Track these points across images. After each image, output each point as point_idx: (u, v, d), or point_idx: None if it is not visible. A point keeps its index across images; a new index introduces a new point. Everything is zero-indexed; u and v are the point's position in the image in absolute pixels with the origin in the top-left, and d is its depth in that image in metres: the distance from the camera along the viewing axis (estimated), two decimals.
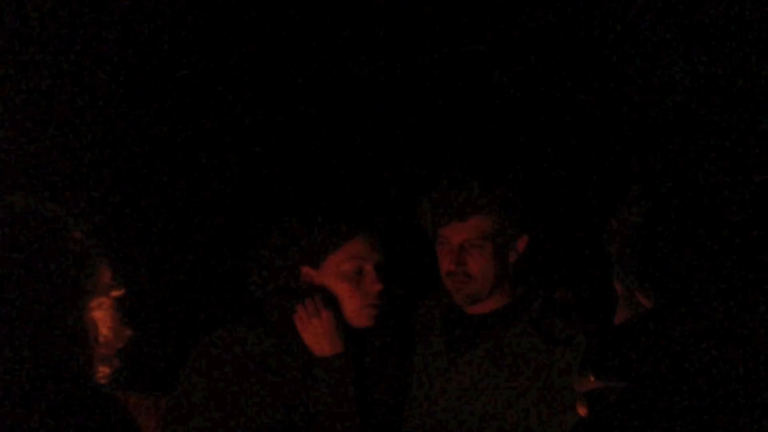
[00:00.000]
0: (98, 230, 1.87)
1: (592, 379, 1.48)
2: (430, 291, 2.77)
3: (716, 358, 1.43)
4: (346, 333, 2.51)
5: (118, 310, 1.86)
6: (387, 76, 3.87)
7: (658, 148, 3.47)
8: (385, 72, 3.87)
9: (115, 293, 1.86)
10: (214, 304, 3.75)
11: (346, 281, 2.51)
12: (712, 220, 1.53)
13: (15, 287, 1.72)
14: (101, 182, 3.79)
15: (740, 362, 1.43)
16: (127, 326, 1.88)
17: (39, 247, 1.75)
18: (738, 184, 1.55)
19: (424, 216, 2.62)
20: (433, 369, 2.62)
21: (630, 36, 3.63)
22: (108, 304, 1.85)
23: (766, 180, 1.56)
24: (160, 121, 3.89)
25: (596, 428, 1.47)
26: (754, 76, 3.40)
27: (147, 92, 3.86)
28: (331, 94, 3.90)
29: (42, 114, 3.73)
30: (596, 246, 1.71)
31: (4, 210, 1.78)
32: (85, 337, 1.77)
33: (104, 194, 3.77)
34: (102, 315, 1.83)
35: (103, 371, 1.82)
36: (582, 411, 1.50)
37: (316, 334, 2.48)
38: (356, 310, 2.52)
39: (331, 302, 2.51)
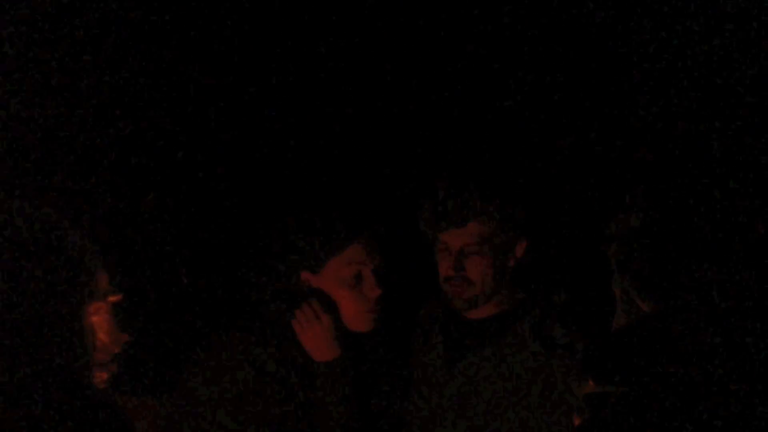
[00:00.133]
0: (96, 235, 1.86)
1: (591, 383, 1.48)
2: (429, 296, 2.77)
3: (714, 363, 1.43)
4: (344, 337, 2.51)
5: (116, 315, 1.86)
6: (386, 83, 3.87)
7: (657, 153, 3.47)
8: (385, 78, 3.87)
9: (112, 298, 1.86)
10: (212, 308, 3.75)
11: (345, 286, 2.51)
12: (710, 225, 1.53)
13: (12, 292, 1.71)
14: (99, 187, 3.79)
15: (738, 366, 1.43)
16: (124, 331, 1.87)
17: (37, 252, 1.74)
18: (737, 188, 1.55)
19: (424, 221, 2.62)
20: (432, 374, 2.62)
21: (628, 43, 3.64)
22: (105, 309, 1.85)
23: (766, 185, 1.56)
24: (159, 126, 3.89)
25: None
26: (754, 77, 3.40)
27: (146, 97, 3.86)
28: (332, 101, 3.90)
29: (40, 119, 3.73)
30: (595, 251, 1.71)
31: (2, 215, 1.78)
32: (82, 342, 1.77)
33: (102, 199, 3.77)
34: (99, 320, 1.83)
35: (100, 376, 1.82)
36: (575, 421, 1.50)
37: (316, 339, 2.48)
38: (355, 315, 2.52)
39: (329, 307, 2.50)
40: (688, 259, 1.51)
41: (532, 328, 2.56)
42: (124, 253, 3.66)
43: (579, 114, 3.73)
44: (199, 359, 2.50)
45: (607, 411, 1.46)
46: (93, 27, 3.77)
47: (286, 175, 3.90)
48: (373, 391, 2.57)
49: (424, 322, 2.72)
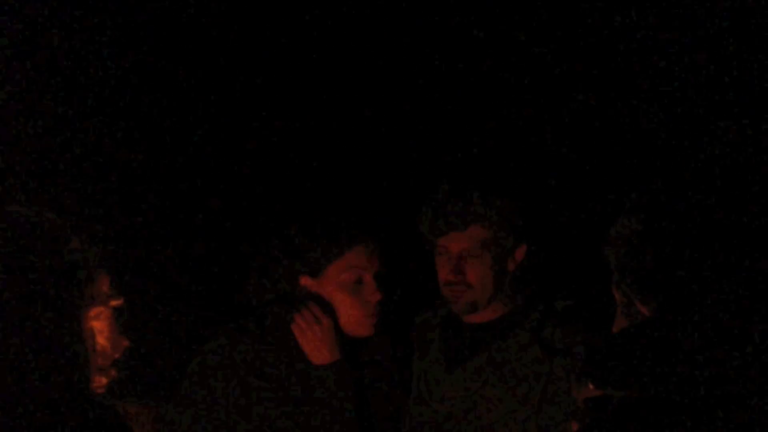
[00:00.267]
0: (97, 239, 1.86)
1: (592, 387, 1.47)
2: (429, 300, 2.77)
3: (715, 367, 1.43)
4: (343, 341, 2.51)
5: (117, 320, 1.86)
6: (387, 87, 3.88)
7: (656, 155, 3.47)
8: (385, 82, 3.87)
9: (113, 303, 1.86)
10: (212, 313, 3.75)
11: (345, 291, 2.51)
12: (711, 228, 1.53)
13: (14, 296, 1.71)
14: (100, 191, 3.79)
15: (739, 370, 1.43)
16: (125, 336, 1.87)
17: (38, 256, 1.74)
18: (737, 191, 1.55)
19: (424, 225, 2.62)
20: (432, 378, 2.62)
21: (627, 46, 3.64)
22: (106, 313, 1.84)
23: (766, 188, 1.56)
24: (159, 130, 3.90)
25: None
26: (755, 78, 3.40)
27: (147, 101, 3.86)
28: (332, 105, 3.91)
29: (41, 123, 3.73)
30: (595, 255, 1.71)
31: (3, 219, 1.78)
32: (83, 347, 1.76)
33: (103, 203, 3.77)
34: (100, 325, 1.82)
35: (99, 381, 1.82)
36: (574, 426, 1.50)
37: (316, 342, 2.48)
38: (355, 319, 2.52)
39: (327, 311, 2.50)
40: (689, 263, 1.51)
41: (532, 332, 2.56)
42: (126, 258, 3.67)
43: (579, 118, 3.73)
44: (199, 363, 2.50)
45: (608, 415, 1.46)
46: (95, 30, 3.77)
47: (288, 180, 3.90)
48: (373, 395, 2.57)
49: (423, 327, 2.72)
